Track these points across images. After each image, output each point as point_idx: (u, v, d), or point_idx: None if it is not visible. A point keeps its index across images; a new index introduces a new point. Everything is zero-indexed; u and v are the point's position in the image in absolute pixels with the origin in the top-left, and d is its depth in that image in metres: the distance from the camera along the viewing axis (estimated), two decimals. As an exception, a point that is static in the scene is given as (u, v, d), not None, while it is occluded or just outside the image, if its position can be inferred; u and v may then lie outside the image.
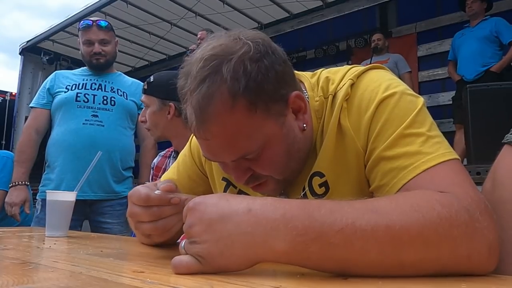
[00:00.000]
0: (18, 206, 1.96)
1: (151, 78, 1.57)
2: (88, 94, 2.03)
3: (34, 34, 6.06)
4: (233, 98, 0.59)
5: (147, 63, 6.76)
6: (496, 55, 3.50)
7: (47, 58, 6.14)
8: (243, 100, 0.59)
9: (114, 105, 2.06)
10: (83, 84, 2.07)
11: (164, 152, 1.75)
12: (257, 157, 0.65)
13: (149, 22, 5.43)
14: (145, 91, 1.56)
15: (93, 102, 2.03)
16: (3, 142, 6.27)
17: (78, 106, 2.00)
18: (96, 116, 2.00)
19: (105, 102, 2.05)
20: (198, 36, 4.24)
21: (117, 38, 2.19)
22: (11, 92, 6.58)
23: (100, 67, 2.11)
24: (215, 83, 0.59)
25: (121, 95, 2.11)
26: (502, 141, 0.69)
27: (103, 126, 2.00)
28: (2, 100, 6.52)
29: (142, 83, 2.10)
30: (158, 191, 0.66)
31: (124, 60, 6.37)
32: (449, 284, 0.46)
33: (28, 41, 6.12)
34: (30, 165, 2.05)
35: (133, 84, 2.19)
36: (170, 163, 1.66)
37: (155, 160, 1.76)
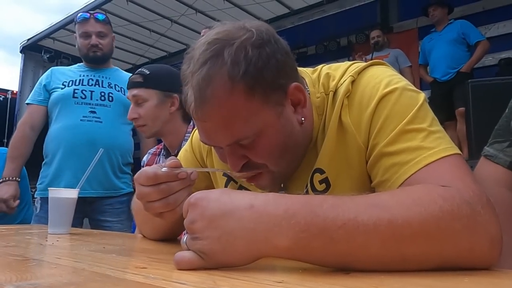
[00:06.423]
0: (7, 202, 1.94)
1: (146, 71, 1.48)
2: (86, 90, 2.01)
3: (35, 31, 6.07)
4: (232, 82, 0.60)
5: (147, 60, 6.75)
6: (465, 56, 3.72)
7: (48, 56, 6.13)
8: (242, 84, 0.60)
9: (112, 101, 2.02)
10: (80, 80, 2.04)
11: (153, 149, 1.73)
12: (253, 144, 0.65)
13: (149, 19, 5.42)
14: (141, 85, 1.46)
15: (91, 98, 1.99)
16: (5, 140, 6.27)
17: (76, 103, 1.98)
18: (94, 112, 1.97)
19: (102, 98, 2.01)
20: (202, 34, 4.22)
21: (114, 34, 2.16)
22: (12, 91, 6.59)
23: (97, 60, 2.07)
24: (216, 65, 0.60)
25: (118, 91, 2.07)
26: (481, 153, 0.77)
27: (101, 122, 1.97)
28: (3, 98, 6.53)
29: None
30: (164, 168, 0.66)
31: (125, 58, 6.35)
32: (452, 278, 0.46)
33: (28, 39, 6.11)
34: (22, 162, 2.00)
35: None
36: (160, 161, 1.63)
37: (144, 158, 1.73)
